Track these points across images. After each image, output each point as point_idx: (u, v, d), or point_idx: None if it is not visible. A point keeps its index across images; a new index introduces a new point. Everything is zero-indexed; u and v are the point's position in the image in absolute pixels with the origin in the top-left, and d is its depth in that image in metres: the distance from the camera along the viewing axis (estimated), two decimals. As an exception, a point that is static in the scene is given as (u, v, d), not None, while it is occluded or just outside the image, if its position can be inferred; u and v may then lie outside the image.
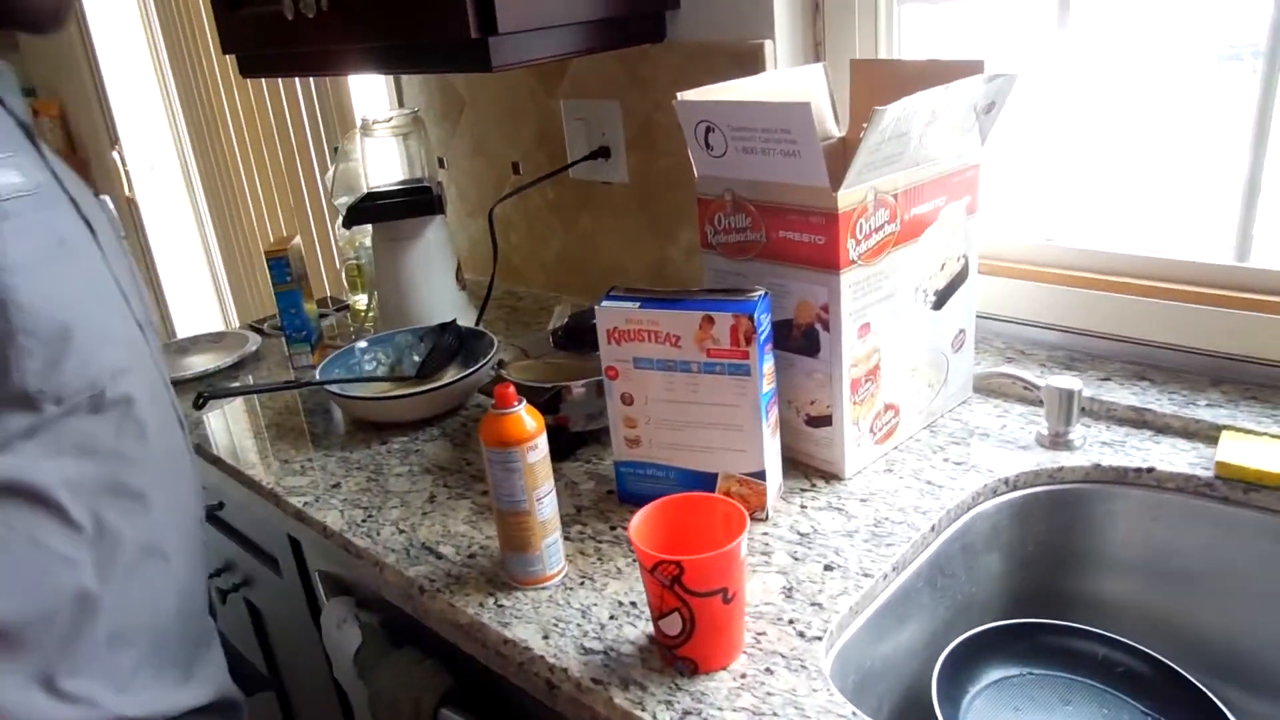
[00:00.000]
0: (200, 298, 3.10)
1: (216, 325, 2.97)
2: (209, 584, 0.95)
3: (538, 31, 1.14)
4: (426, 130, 1.44)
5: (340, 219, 1.73)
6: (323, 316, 1.75)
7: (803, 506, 0.95)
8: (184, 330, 3.31)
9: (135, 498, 0.77)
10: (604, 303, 0.91)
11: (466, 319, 1.45)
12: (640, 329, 0.89)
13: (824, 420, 0.97)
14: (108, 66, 2.99)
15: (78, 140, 3.45)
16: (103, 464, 0.74)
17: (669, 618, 0.72)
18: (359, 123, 1.52)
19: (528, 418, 0.83)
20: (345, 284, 1.76)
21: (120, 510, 0.76)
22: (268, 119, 2.24)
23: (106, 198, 0.96)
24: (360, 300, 1.71)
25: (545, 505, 0.85)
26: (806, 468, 1.01)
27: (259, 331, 1.71)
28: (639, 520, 0.75)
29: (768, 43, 1.22)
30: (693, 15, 1.28)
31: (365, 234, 1.69)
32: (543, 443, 0.84)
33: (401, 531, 0.99)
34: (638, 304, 0.89)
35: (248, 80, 2.26)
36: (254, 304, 2.65)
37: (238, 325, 2.87)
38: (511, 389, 0.83)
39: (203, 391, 1.20)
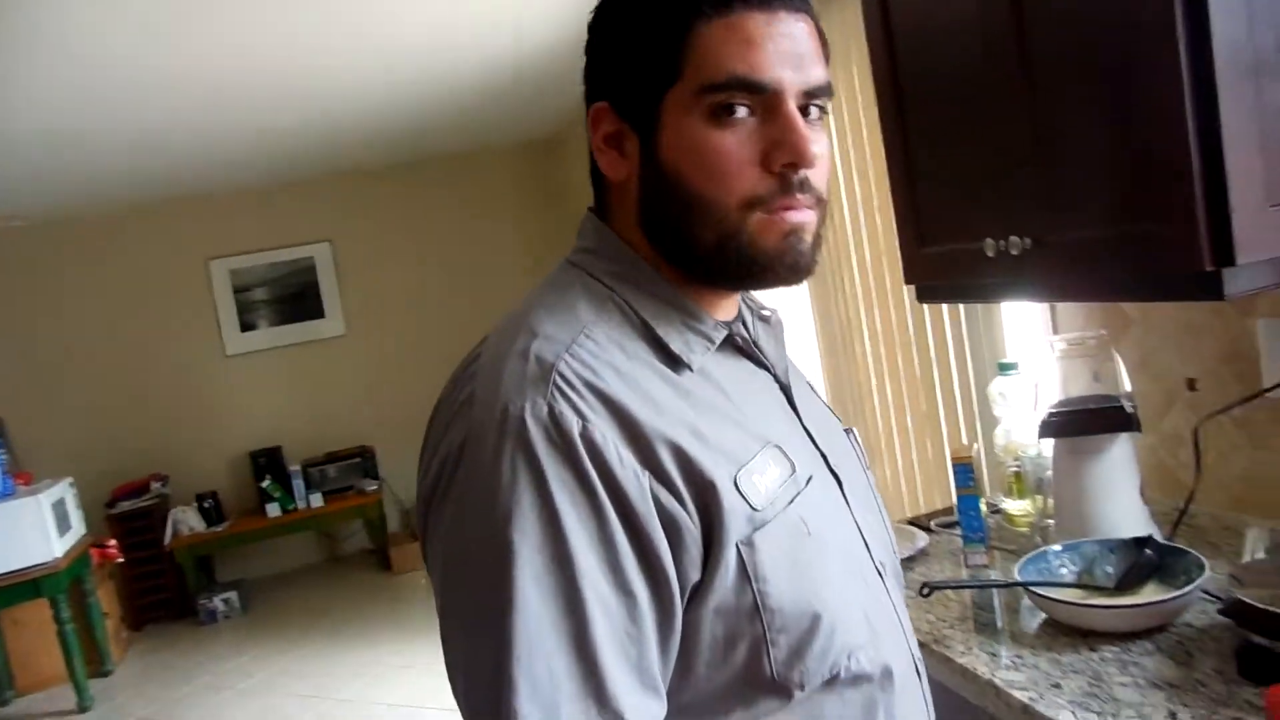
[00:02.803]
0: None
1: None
2: None
3: (1274, 260, 1.16)
4: (1114, 352, 1.53)
5: (1000, 426, 1.87)
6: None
7: None
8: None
9: None
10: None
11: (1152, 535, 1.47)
12: None
13: None
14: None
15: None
16: None
17: None
18: (1045, 343, 1.67)
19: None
20: (1001, 489, 1.88)
21: None
22: (906, 331, 2.52)
23: (854, 430, 0.96)
24: (1017, 506, 1.81)
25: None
26: None
27: (924, 528, 1.89)
28: None
29: None
30: None
31: (1025, 444, 1.81)
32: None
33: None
34: None
35: (889, 301, 2.59)
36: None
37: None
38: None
39: (928, 582, 1.38)
